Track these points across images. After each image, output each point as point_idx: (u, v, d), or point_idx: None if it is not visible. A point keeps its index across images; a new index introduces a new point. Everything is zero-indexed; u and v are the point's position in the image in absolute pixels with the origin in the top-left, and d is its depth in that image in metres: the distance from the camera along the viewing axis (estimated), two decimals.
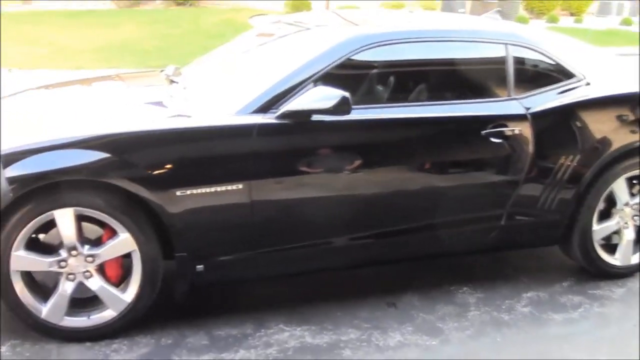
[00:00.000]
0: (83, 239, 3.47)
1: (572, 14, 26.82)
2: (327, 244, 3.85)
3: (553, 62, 4.27)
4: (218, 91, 4.03)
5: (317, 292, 4.17)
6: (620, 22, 26.43)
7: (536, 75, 4.30)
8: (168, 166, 3.41)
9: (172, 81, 4.39)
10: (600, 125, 4.22)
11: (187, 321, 3.75)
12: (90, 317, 3.56)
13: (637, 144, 4.27)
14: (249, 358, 3.45)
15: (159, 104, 4.03)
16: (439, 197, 3.99)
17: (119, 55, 11.96)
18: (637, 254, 4.47)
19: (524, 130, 4.01)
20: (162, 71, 4.74)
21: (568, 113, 4.17)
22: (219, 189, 3.47)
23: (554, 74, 4.27)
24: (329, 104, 3.52)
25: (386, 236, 3.96)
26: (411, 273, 4.45)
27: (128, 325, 3.60)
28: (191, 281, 3.64)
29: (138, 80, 5.05)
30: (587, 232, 4.27)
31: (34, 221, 3.33)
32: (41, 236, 3.57)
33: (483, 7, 22.39)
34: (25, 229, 3.33)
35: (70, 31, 14.29)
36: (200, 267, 3.58)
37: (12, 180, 3.16)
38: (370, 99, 4.12)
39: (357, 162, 3.76)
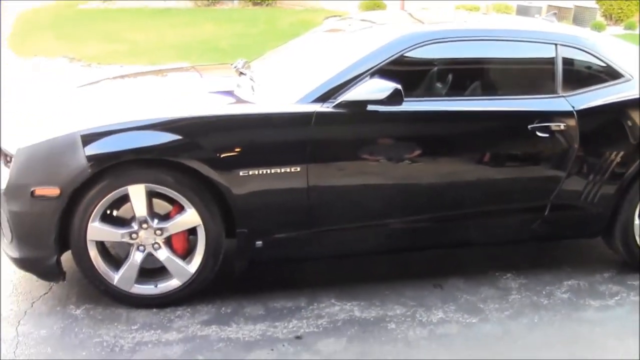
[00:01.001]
0: (153, 214, 3.81)
1: None
2: (378, 228, 4.11)
3: (602, 63, 4.45)
4: (282, 82, 4.35)
5: (367, 272, 4.45)
6: None
7: (584, 75, 4.49)
8: (233, 149, 3.72)
9: (241, 73, 4.73)
10: None
11: (245, 294, 4.07)
12: (158, 285, 3.89)
13: None
14: (300, 327, 3.74)
15: (228, 93, 4.37)
16: (487, 186, 4.22)
17: (196, 53, 12.33)
18: None
19: (570, 126, 4.21)
20: (232, 64, 5.08)
21: (613, 111, 4.36)
22: (278, 170, 3.77)
23: (602, 74, 4.45)
24: (382, 95, 3.81)
25: (436, 222, 4.21)
26: (459, 258, 4.71)
27: (191, 294, 3.93)
28: (250, 256, 3.95)
29: (210, 72, 5.40)
30: (629, 226, 4.43)
31: (109, 195, 3.67)
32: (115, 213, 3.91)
33: (559, 12, 22.25)
34: (101, 202, 3.67)
35: (149, 29, 14.72)
36: (259, 243, 3.89)
37: (90, 158, 3.54)
38: (422, 93, 4.35)
39: (409, 152, 4.03)
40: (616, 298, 4.24)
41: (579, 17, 22.78)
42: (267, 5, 22.51)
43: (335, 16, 5.43)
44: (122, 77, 5.27)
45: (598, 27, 22.06)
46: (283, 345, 3.56)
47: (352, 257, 4.50)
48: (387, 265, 4.57)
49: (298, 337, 3.65)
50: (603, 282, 4.45)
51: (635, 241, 4.48)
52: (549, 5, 22.63)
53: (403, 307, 4.00)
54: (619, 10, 24.56)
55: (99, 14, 17.35)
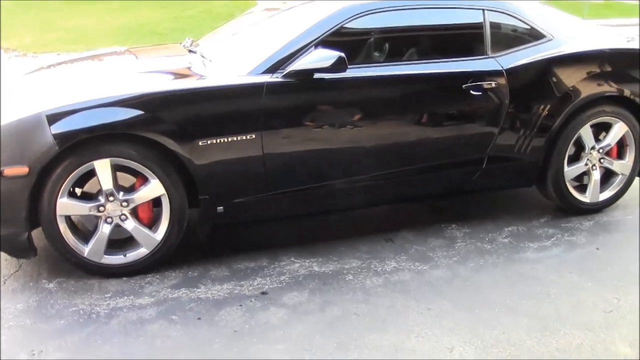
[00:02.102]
0: (118, 187, 4.00)
1: None
2: (329, 188, 4.39)
3: (526, 25, 4.81)
4: (232, 57, 4.56)
5: (324, 231, 4.77)
6: None
7: (511, 37, 4.83)
8: (192, 121, 3.93)
9: (190, 51, 4.94)
10: (567, 79, 4.76)
11: (210, 258, 4.31)
12: (127, 255, 4.08)
13: (601, 95, 4.85)
14: (264, 284, 4.01)
15: (182, 69, 4.59)
16: (428, 144, 4.54)
17: (135, 37, 12.27)
18: (605, 192, 5.07)
19: (500, 84, 4.56)
20: (181, 43, 5.29)
21: (538, 68, 4.72)
22: (235, 139, 4.01)
23: (526, 36, 4.81)
24: (327, 63, 4.06)
25: (383, 180, 4.51)
26: (407, 214, 5.08)
27: (159, 261, 4.14)
28: (213, 221, 4.20)
29: (159, 52, 5.56)
30: (560, 174, 4.85)
31: (76, 171, 3.83)
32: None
33: None
34: (69, 178, 3.83)
35: (85, 15, 14.56)
36: (220, 208, 4.13)
37: (56, 136, 3.70)
38: (363, 60, 4.64)
39: (355, 115, 4.31)
40: (552, 239, 4.65)
41: None
42: None
43: None
44: (72, 61, 5.38)
45: None
46: (251, 301, 3.81)
47: (308, 217, 4.81)
48: (342, 223, 4.89)
49: (264, 293, 3.90)
50: (540, 226, 4.86)
51: (567, 187, 4.89)
52: None
53: (358, 260, 4.30)
54: None
55: (33, 3, 17.02)
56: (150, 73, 4.60)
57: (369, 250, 4.43)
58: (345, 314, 3.69)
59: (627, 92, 4.92)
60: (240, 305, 3.77)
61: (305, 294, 3.91)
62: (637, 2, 23.69)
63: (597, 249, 4.53)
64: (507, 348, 3.40)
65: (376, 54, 4.75)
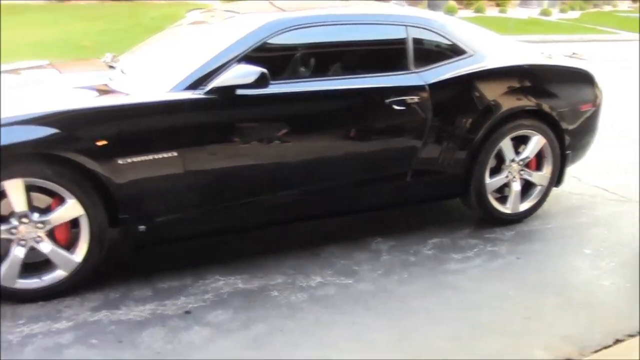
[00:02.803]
0: (33, 208, 3.84)
1: (497, 5, 27.80)
2: (255, 205, 4.35)
3: (447, 41, 4.89)
4: (153, 72, 4.49)
5: (249, 247, 4.72)
6: (540, 12, 27.54)
7: (433, 52, 4.90)
8: (110, 139, 3.82)
9: (110, 66, 4.85)
10: (488, 93, 4.86)
11: (132, 278, 4.20)
12: (43, 278, 3.91)
13: (520, 108, 4.96)
14: (188, 303, 3.94)
15: (101, 85, 4.45)
16: (353, 159, 4.56)
17: (57, 51, 11.97)
18: (524, 202, 5.19)
19: (423, 98, 4.61)
20: (102, 59, 5.18)
21: (460, 83, 4.81)
22: (156, 157, 3.93)
23: (448, 52, 4.89)
24: (249, 79, 4.04)
25: (310, 195, 4.51)
26: (334, 228, 5.07)
27: (79, 284, 4.00)
28: (135, 241, 4.11)
29: (78, 67, 5.43)
30: (481, 186, 4.93)
31: None
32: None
33: None
34: None
35: (3, 28, 14.16)
36: (142, 227, 4.04)
37: None
38: (288, 76, 4.63)
39: (280, 131, 4.29)
40: (475, 250, 4.73)
41: (432, 2, 23.81)
42: (128, 0, 22.18)
43: (198, 9, 5.59)
44: None
45: (451, 11, 23.15)
46: (174, 321, 3.73)
47: (234, 234, 4.76)
48: (268, 238, 4.86)
49: (187, 312, 3.83)
50: (463, 237, 4.94)
51: (488, 198, 4.98)
52: None
53: (284, 275, 4.27)
54: None
55: None
56: (68, 89, 4.48)
57: (295, 265, 4.41)
58: (270, 331, 3.66)
59: (545, 107, 5.05)
60: (163, 326, 3.69)
61: (230, 311, 3.85)
62: (561, 20, 24.42)
63: (518, 258, 4.63)
64: (429, 356, 3.43)
65: (301, 69, 4.76)
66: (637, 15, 31.15)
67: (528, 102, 5.00)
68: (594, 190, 6.12)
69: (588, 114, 5.40)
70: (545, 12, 27.46)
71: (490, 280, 4.29)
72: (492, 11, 26.00)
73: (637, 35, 22.50)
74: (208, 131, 4.12)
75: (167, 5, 21.57)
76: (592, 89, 5.48)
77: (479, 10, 24.89)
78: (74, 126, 3.79)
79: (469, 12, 24.62)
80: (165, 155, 3.95)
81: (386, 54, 4.85)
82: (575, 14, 29.39)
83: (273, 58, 4.48)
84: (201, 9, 5.60)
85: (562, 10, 29.72)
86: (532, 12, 27.44)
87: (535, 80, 5.15)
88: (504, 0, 27.86)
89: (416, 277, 4.29)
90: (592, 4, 33.70)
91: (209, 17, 5.27)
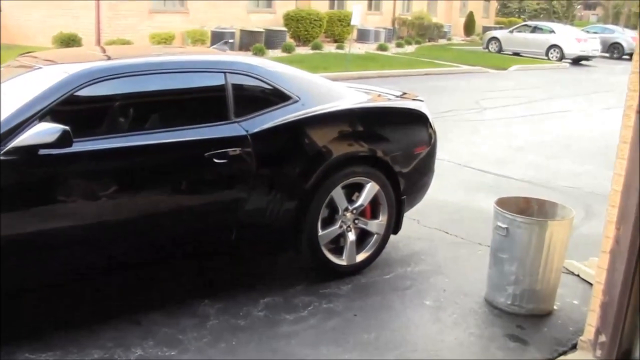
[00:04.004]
0: None
1: (335, 41, 28.25)
2: (68, 267, 3.97)
3: (270, 87, 4.64)
4: None
5: (63, 316, 4.23)
6: (377, 47, 28.25)
7: (255, 99, 4.65)
8: None
9: None
10: (317, 140, 4.66)
11: None
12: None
13: (350, 155, 4.77)
14: None
15: None
16: (176, 215, 4.22)
17: None
18: (361, 253, 4.97)
19: (246, 149, 4.33)
20: None
21: (286, 131, 4.56)
22: None
23: (272, 98, 4.64)
24: (51, 138, 3.63)
25: (133, 253, 4.19)
26: (156, 291, 4.64)
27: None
28: None
29: None
30: (314, 238, 4.67)
31: None
32: None
33: (251, 36, 23.11)
34: None
35: None
36: None
37: None
38: (100, 130, 4.15)
39: (88, 190, 3.90)
40: (309, 308, 4.44)
41: (270, 40, 23.87)
42: None
43: (30, 52, 5.05)
44: None
45: (289, 48, 23.29)
46: None
47: (45, 303, 4.30)
48: (83, 305, 4.39)
49: None
50: (296, 294, 4.63)
51: (322, 251, 4.73)
52: (242, 30, 23.44)
53: (101, 350, 3.83)
54: (306, 32, 26.13)
55: None
56: None
57: (114, 337, 3.97)
58: None
59: (377, 152, 4.89)
60: None
61: None
62: (397, 55, 25.12)
63: (355, 315, 4.39)
64: None
65: (114, 122, 4.33)
66: (470, 48, 32.74)
67: (359, 148, 4.84)
68: (432, 233, 6.05)
69: (423, 155, 5.31)
70: (382, 47, 28.18)
71: (325, 343, 4.02)
72: (329, 47, 26.39)
73: (474, 67, 23.53)
74: (12, 195, 3.66)
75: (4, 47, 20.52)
76: (426, 129, 5.40)
77: (316, 47, 25.20)
78: None
79: (306, 49, 24.86)
80: None
81: (205, 103, 4.56)
82: (411, 48, 30.34)
83: (83, 111, 4.11)
84: (32, 52, 5.06)
85: (399, 45, 30.62)
86: (369, 47, 28.09)
87: (366, 124, 5.00)
88: (341, 36, 28.38)
89: (245, 344, 3.96)
90: (426, 38, 34.97)
91: (32, 64, 4.73)
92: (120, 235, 4.06)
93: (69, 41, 19.75)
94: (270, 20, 26.24)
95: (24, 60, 4.81)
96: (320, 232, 4.69)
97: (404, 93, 5.95)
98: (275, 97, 4.64)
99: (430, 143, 5.42)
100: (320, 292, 4.66)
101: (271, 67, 4.82)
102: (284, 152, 4.56)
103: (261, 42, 22.80)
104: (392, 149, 5.01)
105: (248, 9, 25.87)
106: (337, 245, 4.88)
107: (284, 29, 25.51)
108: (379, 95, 5.69)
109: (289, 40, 25.13)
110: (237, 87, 4.49)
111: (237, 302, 4.46)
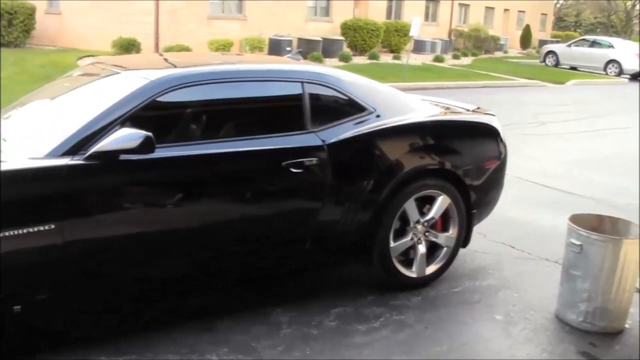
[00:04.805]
0: None
1: (391, 51, 28.29)
2: (145, 275, 4.01)
3: (346, 98, 4.69)
4: (31, 134, 4.10)
5: (138, 323, 4.30)
6: (433, 59, 28.17)
7: (331, 110, 4.70)
8: None
9: None
10: (390, 152, 4.69)
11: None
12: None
13: (423, 167, 4.79)
14: None
15: None
16: (250, 224, 4.26)
17: None
18: (431, 265, 4.98)
19: (322, 159, 4.38)
20: None
21: (360, 142, 4.60)
22: (31, 230, 3.53)
23: (348, 108, 4.69)
24: (133, 144, 3.70)
25: (204, 264, 4.20)
26: (229, 299, 4.70)
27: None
28: (10, 323, 3.67)
29: None
30: (386, 249, 4.69)
31: None
32: None
33: (308, 44, 23.23)
34: None
35: None
36: (17, 307, 3.63)
37: None
38: (178, 137, 4.24)
39: (170, 197, 3.97)
40: (381, 319, 4.46)
41: (327, 49, 23.96)
42: (15, 46, 21.42)
43: (89, 56, 5.19)
44: None
45: (346, 57, 23.35)
46: None
47: (122, 309, 4.38)
48: (158, 312, 4.46)
49: None
50: (367, 305, 4.66)
51: (392, 262, 4.74)
52: (299, 38, 23.57)
53: (176, 354, 3.91)
54: (363, 42, 26.18)
55: None
56: None
57: (188, 343, 4.04)
58: None
59: (448, 165, 4.90)
60: None
61: None
62: (454, 67, 25.00)
63: (426, 327, 4.40)
64: None
65: (192, 129, 4.41)
66: (527, 61, 32.43)
67: (431, 161, 4.85)
68: (499, 248, 6.02)
69: (493, 170, 5.30)
70: (438, 58, 28.11)
71: (397, 354, 4.04)
72: (386, 57, 26.41)
73: (531, 81, 23.31)
74: (90, 199, 3.74)
75: (55, 52, 20.92)
76: (497, 144, 5.39)
77: (373, 57, 25.24)
78: None
79: (363, 59, 24.91)
80: (41, 228, 3.54)
81: (282, 113, 4.61)
82: (467, 60, 30.23)
83: (162, 118, 4.18)
84: (92, 56, 5.19)
85: (455, 57, 30.53)
86: (425, 58, 28.05)
87: (439, 137, 5.02)
88: (397, 47, 28.38)
89: (319, 354, 4.00)
90: (483, 50, 34.79)
91: (99, 70, 4.87)
92: (200, 244, 4.13)
93: (128, 46, 20.06)
94: (327, 29, 26.38)
95: (93, 68, 4.95)
96: (392, 244, 4.71)
97: (478, 107, 5.93)
98: (351, 107, 4.69)
99: (501, 158, 5.41)
100: (390, 304, 4.68)
101: (347, 78, 4.86)
102: (358, 163, 4.59)
103: (318, 51, 22.91)
104: (464, 163, 5.02)
105: (306, 17, 26.09)
106: (407, 257, 4.89)
107: (341, 38, 25.63)
108: (449, 108, 5.69)
109: (346, 49, 25.23)
110: (314, 97, 4.55)
111: (308, 311, 4.50)
